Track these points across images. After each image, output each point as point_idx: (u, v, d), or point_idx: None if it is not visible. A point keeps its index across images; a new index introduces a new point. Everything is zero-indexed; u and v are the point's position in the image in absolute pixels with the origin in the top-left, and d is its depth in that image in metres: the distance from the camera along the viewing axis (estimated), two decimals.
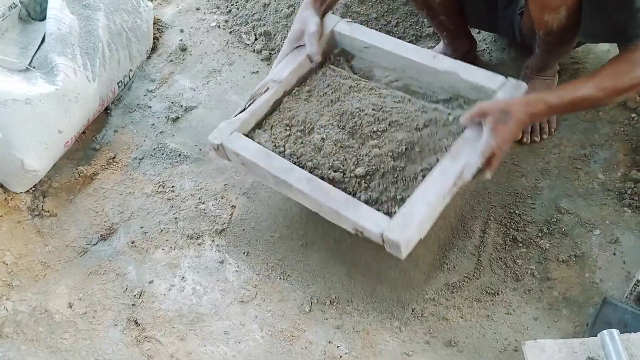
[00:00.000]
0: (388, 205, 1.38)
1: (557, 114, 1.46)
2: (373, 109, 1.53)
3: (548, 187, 1.69)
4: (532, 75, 1.81)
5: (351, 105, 1.55)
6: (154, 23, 2.38)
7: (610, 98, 1.37)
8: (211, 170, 1.91)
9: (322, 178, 1.44)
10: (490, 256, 1.59)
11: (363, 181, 1.43)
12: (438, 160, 1.39)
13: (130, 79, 2.21)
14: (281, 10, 2.23)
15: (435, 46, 2.02)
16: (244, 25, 2.32)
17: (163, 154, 1.98)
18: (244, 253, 1.70)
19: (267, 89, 1.63)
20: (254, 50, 2.25)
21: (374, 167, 1.43)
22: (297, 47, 1.67)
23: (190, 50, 2.32)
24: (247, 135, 1.57)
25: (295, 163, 1.49)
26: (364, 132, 1.50)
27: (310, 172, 1.46)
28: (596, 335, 1.12)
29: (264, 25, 2.27)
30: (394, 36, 2.08)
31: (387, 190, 1.40)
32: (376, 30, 1.77)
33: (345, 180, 1.44)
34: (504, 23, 1.79)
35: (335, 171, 1.45)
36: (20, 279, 1.74)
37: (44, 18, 2.02)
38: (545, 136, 1.77)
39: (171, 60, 2.29)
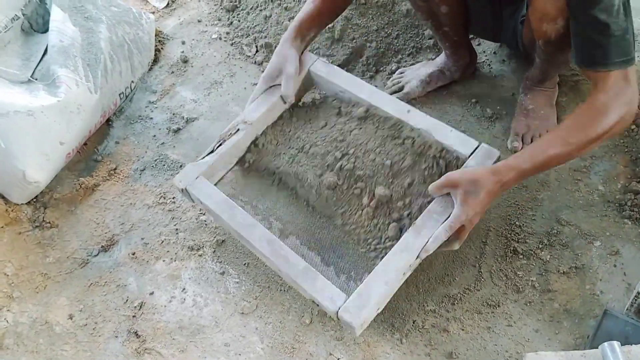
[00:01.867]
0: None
1: (527, 177, 1.44)
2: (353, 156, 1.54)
3: (548, 199, 1.69)
4: (532, 87, 1.82)
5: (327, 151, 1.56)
6: (156, 35, 2.39)
7: (580, 151, 1.33)
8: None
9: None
10: (490, 268, 1.59)
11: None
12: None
13: (131, 90, 2.22)
14: (282, 23, 2.24)
15: (435, 58, 2.03)
16: (245, 37, 2.33)
17: (164, 165, 1.99)
18: (244, 264, 1.70)
19: (237, 130, 1.62)
20: (255, 62, 2.26)
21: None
22: (272, 85, 1.66)
23: (191, 62, 2.33)
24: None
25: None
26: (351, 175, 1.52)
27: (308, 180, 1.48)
28: (597, 348, 1.11)
29: (265, 37, 2.28)
30: (395, 48, 2.10)
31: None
32: (376, 42, 1.78)
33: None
34: (509, 32, 1.80)
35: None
36: (21, 290, 1.74)
37: (46, 30, 2.03)
38: None
39: (173, 72, 2.30)
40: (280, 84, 1.64)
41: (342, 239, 1.49)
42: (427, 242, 1.31)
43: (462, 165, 1.43)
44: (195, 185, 1.53)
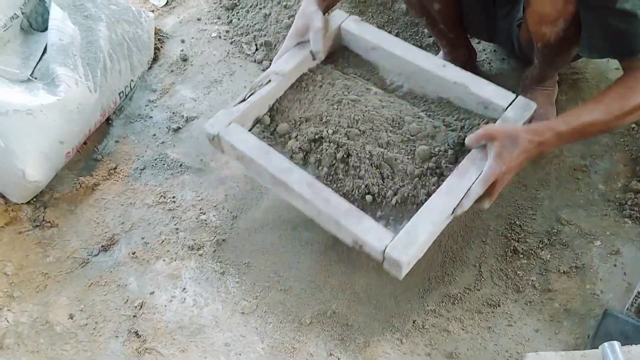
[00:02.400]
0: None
1: (565, 143, 1.41)
2: (385, 119, 1.49)
3: (548, 198, 1.69)
4: (532, 86, 1.81)
5: (361, 110, 1.50)
6: (155, 33, 2.38)
7: (620, 120, 1.32)
8: (212, 181, 1.92)
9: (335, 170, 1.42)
10: (491, 267, 1.59)
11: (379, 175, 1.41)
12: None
13: (131, 89, 2.22)
14: (282, 21, 2.23)
15: (436, 55, 2.02)
16: (245, 36, 2.33)
17: (164, 164, 1.99)
18: (244, 264, 1.70)
19: (269, 80, 1.57)
20: (255, 61, 2.25)
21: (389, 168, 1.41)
22: (300, 43, 1.62)
23: (191, 60, 2.32)
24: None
25: (302, 158, 1.46)
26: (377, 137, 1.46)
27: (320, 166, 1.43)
28: (597, 347, 1.11)
29: (265, 35, 2.27)
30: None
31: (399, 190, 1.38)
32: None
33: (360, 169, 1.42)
34: (503, 34, 1.79)
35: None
36: (21, 290, 1.74)
37: (45, 29, 2.03)
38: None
39: (172, 71, 2.30)
40: (307, 41, 1.59)
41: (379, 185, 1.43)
42: (462, 197, 1.28)
43: (500, 117, 1.41)
44: (228, 131, 1.47)
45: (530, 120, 1.43)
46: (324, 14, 1.62)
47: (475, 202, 1.31)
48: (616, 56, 1.38)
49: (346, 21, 1.66)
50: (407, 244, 1.24)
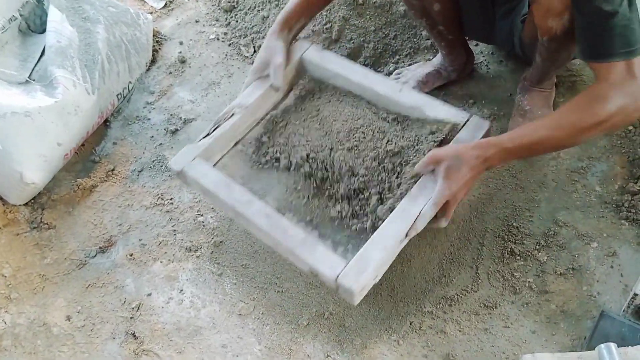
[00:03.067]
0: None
1: (515, 159, 1.42)
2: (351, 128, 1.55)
3: (546, 200, 1.69)
4: (530, 87, 1.82)
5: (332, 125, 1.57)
6: (153, 35, 2.39)
7: (573, 137, 1.30)
8: None
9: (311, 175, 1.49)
10: (487, 269, 1.59)
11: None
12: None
13: (129, 91, 2.22)
14: None
15: (432, 58, 2.03)
16: (243, 38, 2.33)
17: (162, 166, 1.99)
18: (242, 266, 1.70)
19: (233, 114, 1.62)
20: (253, 63, 2.25)
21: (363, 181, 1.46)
22: (261, 77, 1.67)
23: (189, 62, 2.33)
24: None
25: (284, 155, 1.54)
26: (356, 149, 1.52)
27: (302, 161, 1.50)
28: (594, 349, 1.12)
29: (263, 37, 2.27)
30: (392, 49, 2.10)
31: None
32: (374, 43, 1.78)
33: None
34: (502, 34, 1.79)
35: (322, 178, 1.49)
36: (19, 291, 1.74)
37: (43, 31, 2.03)
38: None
39: (170, 73, 2.30)
40: (269, 75, 1.64)
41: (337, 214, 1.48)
42: (415, 220, 1.30)
43: (454, 137, 1.44)
44: (192, 165, 1.52)
45: (486, 135, 1.46)
46: (291, 41, 1.69)
47: (432, 222, 1.34)
48: (584, 57, 1.35)
49: (307, 51, 1.71)
50: (358, 271, 1.26)
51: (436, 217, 1.34)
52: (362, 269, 1.26)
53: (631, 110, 1.27)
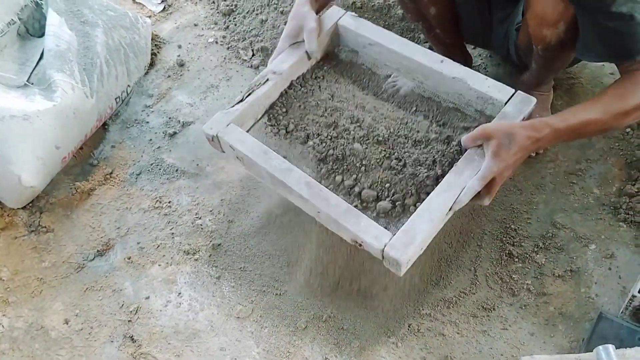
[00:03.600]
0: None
1: (562, 141, 1.40)
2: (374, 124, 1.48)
3: (543, 202, 1.69)
4: (528, 91, 1.81)
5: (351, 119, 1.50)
6: (152, 39, 2.39)
7: (618, 121, 1.32)
8: (208, 186, 1.92)
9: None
10: (486, 271, 1.59)
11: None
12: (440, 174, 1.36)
13: (128, 94, 2.22)
14: (278, 27, 2.24)
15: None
16: (242, 41, 2.34)
17: (160, 169, 1.99)
18: (240, 269, 1.70)
19: (267, 80, 1.56)
20: (252, 66, 2.26)
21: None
22: (295, 43, 1.60)
23: (188, 66, 2.33)
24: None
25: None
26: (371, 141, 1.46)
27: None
28: (592, 351, 1.12)
29: (261, 41, 2.28)
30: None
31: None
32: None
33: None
34: (499, 39, 1.80)
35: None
36: (17, 295, 1.74)
37: (42, 34, 2.03)
38: (540, 151, 1.78)
39: (169, 76, 2.30)
40: (302, 42, 1.58)
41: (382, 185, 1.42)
42: (459, 194, 1.27)
43: (499, 112, 1.39)
44: (227, 131, 1.47)
45: (529, 116, 1.41)
46: (316, 13, 1.60)
47: (475, 199, 1.31)
48: (613, 59, 1.38)
49: (343, 17, 1.64)
50: (405, 243, 1.23)
51: (479, 194, 1.30)
52: (409, 240, 1.23)
53: None
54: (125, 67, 2.18)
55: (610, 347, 1.09)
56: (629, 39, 1.29)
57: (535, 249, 1.61)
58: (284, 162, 1.41)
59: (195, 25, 2.49)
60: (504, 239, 1.64)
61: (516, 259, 1.60)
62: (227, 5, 2.46)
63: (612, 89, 1.34)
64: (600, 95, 1.34)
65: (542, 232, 1.64)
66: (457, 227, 1.67)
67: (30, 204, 1.92)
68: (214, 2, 2.54)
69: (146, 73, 2.32)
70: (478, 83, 1.45)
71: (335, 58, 1.68)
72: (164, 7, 2.59)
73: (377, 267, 1.46)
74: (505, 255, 1.61)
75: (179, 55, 2.37)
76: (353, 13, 1.65)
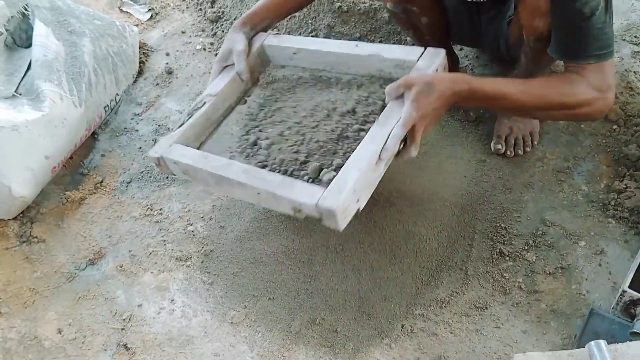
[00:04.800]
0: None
1: (479, 105, 1.44)
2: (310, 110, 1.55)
3: (533, 200, 1.70)
4: None
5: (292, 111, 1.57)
6: (140, 47, 2.39)
7: (536, 108, 1.34)
8: (199, 192, 1.92)
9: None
10: (477, 270, 1.60)
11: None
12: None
13: (116, 103, 2.22)
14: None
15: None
16: None
17: (150, 177, 1.99)
18: (232, 274, 1.70)
19: (204, 102, 1.63)
20: None
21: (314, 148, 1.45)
22: (226, 66, 1.70)
23: (176, 73, 2.33)
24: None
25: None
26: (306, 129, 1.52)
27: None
28: (584, 347, 1.12)
29: None
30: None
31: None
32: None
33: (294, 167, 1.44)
34: (488, 38, 1.81)
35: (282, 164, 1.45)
36: (9, 305, 1.73)
37: (29, 45, 2.03)
38: (528, 149, 1.79)
39: (157, 84, 2.31)
40: (233, 64, 1.66)
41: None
42: (385, 140, 1.30)
43: (413, 68, 1.44)
44: (170, 150, 1.53)
45: (443, 68, 1.46)
46: (253, 35, 1.72)
47: (403, 152, 1.34)
48: (559, 55, 1.39)
49: (267, 38, 1.73)
50: (337, 192, 1.25)
51: (405, 145, 1.33)
52: (340, 189, 1.25)
53: (600, 105, 1.33)
54: (113, 76, 2.18)
55: (602, 342, 1.10)
56: (578, 39, 1.32)
57: (526, 247, 1.62)
58: (221, 159, 1.46)
59: (183, 32, 2.49)
60: (494, 237, 1.65)
61: (507, 258, 1.61)
62: (215, 12, 2.46)
63: (545, 78, 1.37)
64: (529, 80, 1.37)
65: (532, 230, 1.65)
66: (447, 227, 1.68)
67: (21, 215, 1.92)
68: (201, 10, 2.54)
69: (135, 81, 2.32)
70: (390, 52, 1.51)
71: (269, 76, 1.75)
72: (151, 15, 2.59)
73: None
74: (496, 254, 1.61)
75: (167, 63, 2.37)
76: (274, 32, 1.76)
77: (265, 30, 1.76)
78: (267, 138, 1.52)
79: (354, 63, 1.59)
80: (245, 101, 1.70)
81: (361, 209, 1.31)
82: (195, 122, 1.60)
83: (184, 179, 1.60)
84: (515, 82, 1.36)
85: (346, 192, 1.25)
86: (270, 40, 1.72)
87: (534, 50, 1.59)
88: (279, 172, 1.41)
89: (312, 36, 2.18)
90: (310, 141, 1.45)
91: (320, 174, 1.35)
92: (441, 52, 1.45)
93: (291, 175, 1.40)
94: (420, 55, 1.46)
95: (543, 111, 1.36)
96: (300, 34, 2.22)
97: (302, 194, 1.29)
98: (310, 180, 1.36)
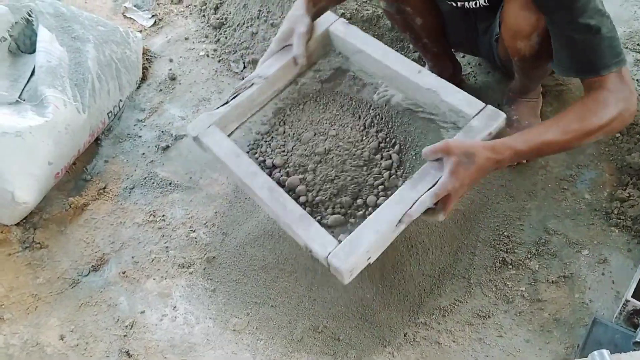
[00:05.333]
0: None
1: (523, 160, 1.41)
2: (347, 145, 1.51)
3: (536, 209, 1.70)
4: (516, 98, 1.83)
5: (325, 141, 1.52)
6: (143, 53, 2.40)
7: (578, 141, 1.31)
8: (202, 199, 1.92)
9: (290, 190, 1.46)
10: (480, 279, 1.60)
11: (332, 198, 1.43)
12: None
13: (120, 109, 2.22)
14: (269, 39, 2.25)
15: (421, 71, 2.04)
16: (233, 54, 2.34)
17: (153, 183, 1.99)
18: (235, 281, 1.70)
19: (252, 84, 1.58)
20: (243, 79, 2.26)
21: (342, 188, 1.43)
22: (285, 46, 1.60)
23: (179, 79, 2.34)
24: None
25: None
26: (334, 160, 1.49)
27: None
28: (587, 356, 1.12)
29: (252, 53, 2.29)
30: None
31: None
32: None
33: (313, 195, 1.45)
34: (485, 48, 1.81)
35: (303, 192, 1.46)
36: (12, 311, 1.73)
37: (33, 51, 2.04)
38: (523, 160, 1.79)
39: (161, 90, 2.31)
40: (292, 45, 1.57)
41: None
42: (411, 205, 1.27)
43: (465, 126, 1.39)
44: (207, 133, 1.51)
45: (497, 132, 1.39)
46: (314, 19, 1.61)
47: (429, 214, 1.30)
48: (577, 74, 1.37)
49: (334, 24, 1.64)
50: (348, 252, 1.25)
51: (434, 209, 1.30)
52: (352, 250, 1.25)
53: (627, 115, 1.31)
54: (117, 82, 2.18)
55: (605, 352, 1.09)
56: (594, 53, 1.29)
57: (529, 256, 1.62)
58: (251, 166, 1.45)
59: (186, 38, 2.49)
60: (497, 246, 1.65)
61: (510, 266, 1.60)
62: (218, 19, 2.47)
63: (573, 109, 1.33)
64: (562, 115, 1.33)
65: (535, 238, 1.65)
66: (450, 235, 1.68)
67: (24, 220, 1.92)
68: (204, 16, 2.55)
69: (138, 87, 2.32)
70: (450, 95, 1.45)
71: (324, 68, 1.69)
72: (155, 22, 2.60)
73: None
74: (499, 263, 1.61)
75: (170, 69, 2.37)
76: (344, 20, 1.66)
77: (324, 9, 1.66)
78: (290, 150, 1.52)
79: (412, 88, 1.53)
80: (297, 83, 1.65)
81: (371, 263, 1.30)
82: (239, 103, 1.56)
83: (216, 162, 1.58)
84: (552, 125, 1.32)
85: (358, 254, 1.25)
86: (337, 28, 1.63)
87: (522, 69, 1.59)
88: (295, 172, 1.44)
89: None
90: (337, 166, 1.46)
91: (335, 233, 1.35)
92: (500, 117, 1.38)
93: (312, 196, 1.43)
94: (479, 112, 1.39)
95: (585, 140, 1.32)
96: None
97: (316, 240, 1.30)
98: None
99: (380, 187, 1.42)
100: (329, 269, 1.29)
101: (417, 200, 1.27)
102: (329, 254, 1.26)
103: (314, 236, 1.31)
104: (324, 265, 1.29)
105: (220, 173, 1.92)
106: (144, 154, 2.10)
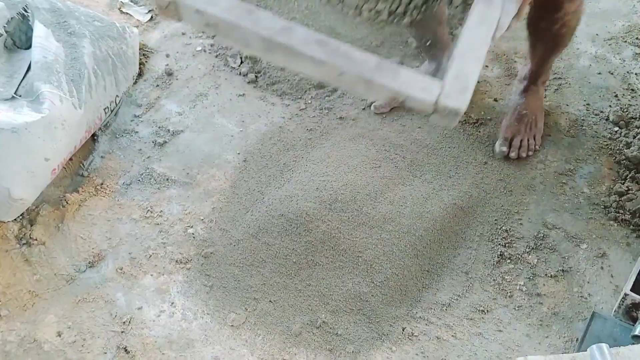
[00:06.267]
0: None
1: None
2: None
3: (534, 203, 1.70)
4: (529, 87, 1.82)
5: None
6: (140, 48, 2.38)
7: None
8: (199, 194, 1.91)
9: None
10: (479, 273, 1.60)
11: None
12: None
13: (116, 104, 2.21)
14: None
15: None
16: (230, 49, 2.33)
17: (150, 179, 1.98)
18: (232, 277, 1.69)
19: None
20: (240, 74, 2.26)
21: None
22: None
23: (176, 74, 2.33)
24: None
25: None
26: None
27: None
28: (586, 350, 1.12)
29: None
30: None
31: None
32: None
33: None
34: None
35: None
36: (9, 308, 1.72)
37: (29, 46, 2.02)
38: (531, 153, 1.79)
39: (157, 85, 2.30)
40: None
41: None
42: (498, 21, 1.11)
43: None
44: None
45: None
46: None
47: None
48: None
49: None
50: (461, 89, 1.06)
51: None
52: (464, 86, 1.05)
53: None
54: (113, 78, 2.17)
55: (604, 345, 1.09)
56: None
57: (527, 250, 1.61)
58: (278, 21, 1.11)
59: (183, 34, 2.48)
60: (496, 240, 1.64)
61: (508, 260, 1.60)
62: None
63: None
64: None
65: (533, 232, 1.65)
66: (448, 230, 1.67)
67: (21, 217, 1.91)
68: None
69: (135, 83, 2.31)
70: None
71: None
72: (151, 17, 2.58)
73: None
74: (498, 257, 1.61)
75: (167, 65, 2.36)
76: None
77: None
78: None
79: None
80: None
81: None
82: None
83: (204, 31, 1.21)
84: None
85: (470, 89, 1.06)
86: None
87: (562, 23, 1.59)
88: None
89: None
90: None
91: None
92: None
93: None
94: None
95: None
96: None
97: (413, 86, 1.06)
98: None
99: None
100: (432, 116, 1.08)
101: (501, 12, 1.13)
102: (438, 97, 1.05)
103: (407, 82, 1.07)
104: (429, 112, 1.08)
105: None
106: (140, 149, 2.09)
